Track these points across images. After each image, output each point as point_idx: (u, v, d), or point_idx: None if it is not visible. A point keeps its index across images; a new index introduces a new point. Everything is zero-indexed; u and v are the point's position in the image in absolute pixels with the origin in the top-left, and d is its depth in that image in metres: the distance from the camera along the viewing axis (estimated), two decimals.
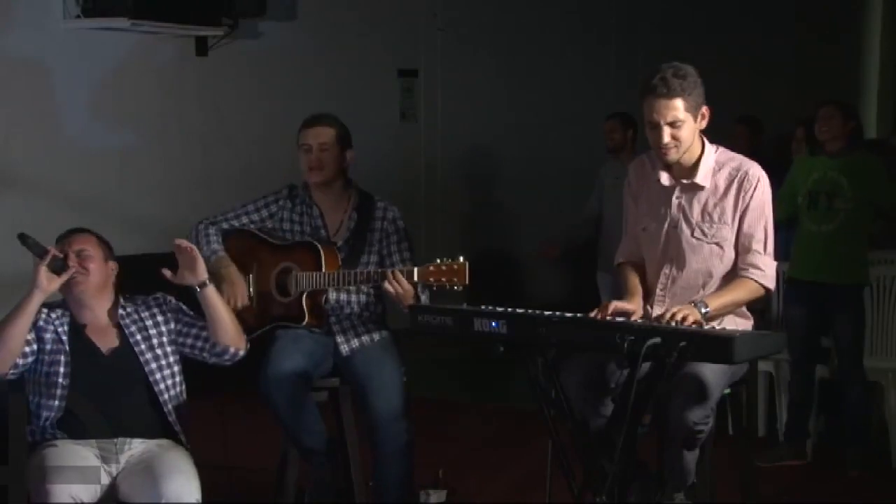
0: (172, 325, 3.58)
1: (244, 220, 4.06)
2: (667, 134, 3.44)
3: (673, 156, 3.49)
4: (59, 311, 3.50)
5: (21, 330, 3.37)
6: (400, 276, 3.70)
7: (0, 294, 5.75)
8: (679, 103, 3.41)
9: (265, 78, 7.01)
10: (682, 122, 3.43)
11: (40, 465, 3.26)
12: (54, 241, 3.53)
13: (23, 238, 3.42)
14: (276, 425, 3.90)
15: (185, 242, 3.53)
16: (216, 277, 3.97)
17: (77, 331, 3.49)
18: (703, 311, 3.39)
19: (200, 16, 6.40)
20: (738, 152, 3.68)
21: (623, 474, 3.35)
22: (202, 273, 3.52)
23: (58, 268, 3.40)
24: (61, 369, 3.42)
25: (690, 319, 3.31)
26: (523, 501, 4.40)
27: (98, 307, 3.52)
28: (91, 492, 3.26)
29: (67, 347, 3.45)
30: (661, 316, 3.36)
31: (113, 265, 3.56)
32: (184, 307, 3.63)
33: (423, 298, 3.80)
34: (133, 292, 3.66)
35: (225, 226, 4.05)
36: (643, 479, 3.57)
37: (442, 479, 4.63)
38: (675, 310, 3.34)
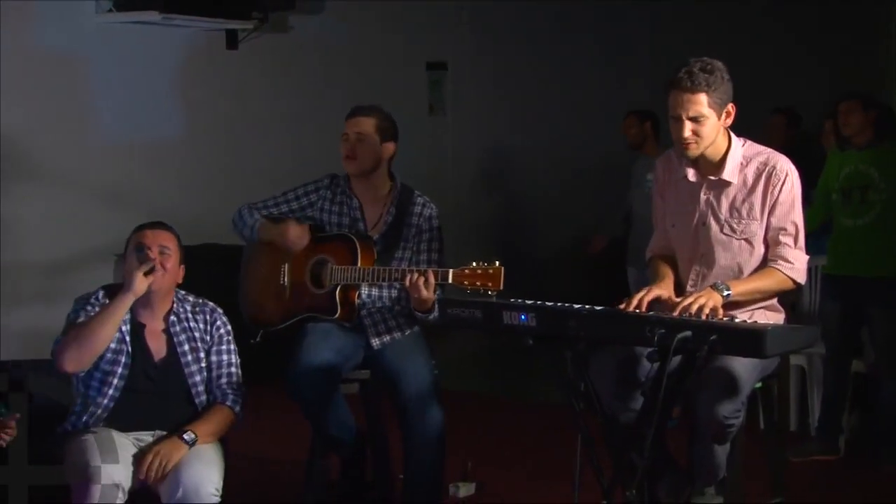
0: (208, 341, 3.59)
1: (283, 208, 4.06)
2: (687, 128, 3.41)
3: (693, 151, 3.45)
4: None
5: (110, 332, 3.39)
6: (431, 281, 3.68)
7: (34, 281, 5.89)
8: (702, 98, 3.38)
9: (294, 71, 7.04)
10: (705, 117, 3.40)
11: (82, 452, 3.28)
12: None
13: (139, 246, 3.44)
14: (305, 418, 3.91)
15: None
16: (262, 260, 3.99)
17: (137, 333, 3.50)
18: (725, 293, 3.36)
19: (230, 9, 6.44)
20: (773, 145, 3.64)
21: (652, 468, 3.34)
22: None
23: (149, 271, 3.44)
24: (119, 370, 3.44)
25: (709, 306, 3.28)
26: (552, 495, 4.39)
27: (159, 309, 3.54)
28: (129, 479, 3.28)
29: (129, 349, 3.47)
30: (682, 304, 3.32)
31: (182, 270, 3.58)
32: (225, 337, 3.61)
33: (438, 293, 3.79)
34: None
35: (265, 213, 4.06)
36: (673, 474, 3.55)
37: (471, 472, 4.63)
38: (693, 298, 3.31)
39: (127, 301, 3.41)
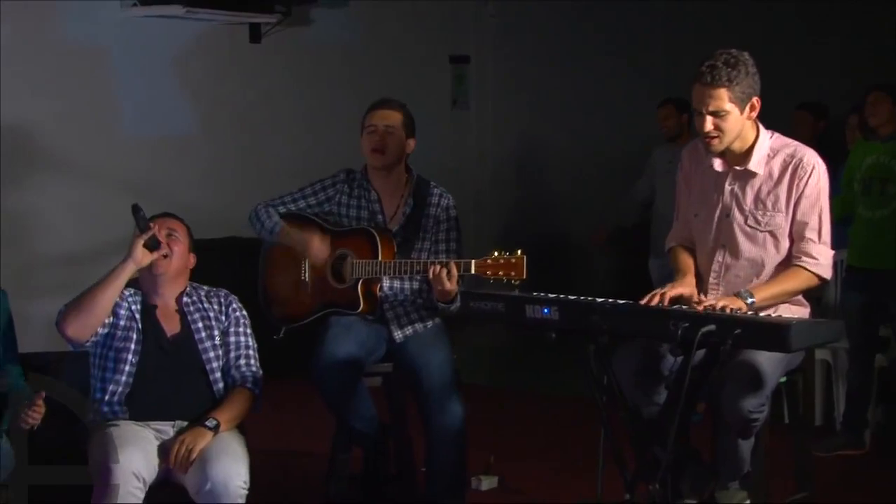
0: (223, 321, 3.61)
1: (301, 203, 4.07)
2: (709, 122, 3.38)
3: (716, 145, 3.43)
4: (131, 290, 3.55)
5: (110, 298, 3.44)
6: (454, 272, 3.67)
7: (56, 273, 5.92)
8: (723, 93, 3.34)
9: (317, 65, 7.04)
10: (726, 112, 3.36)
11: (103, 444, 3.30)
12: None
13: (135, 209, 3.50)
14: (329, 411, 3.92)
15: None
16: (283, 258, 3.99)
17: (148, 312, 3.54)
18: (749, 300, 3.33)
19: (254, 3, 6.47)
20: (800, 140, 3.61)
21: (676, 463, 3.32)
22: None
23: (152, 245, 3.47)
24: (132, 346, 3.48)
25: (735, 306, 3.25)
26: (574, 489, 4.38)
27: (169, 292, 3.58)
28: (150, 469, 3.30)
29: (140, 326, 3.50)
30: (704, 305, 3.30)
31: (193, 258, 3.62)
32: (242, 320, 3.64)
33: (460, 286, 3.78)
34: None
35: (282, 209, 4.06)
36: (696, 468, 3.53)
37: (493, 465, 4.62)
38: (721, 303, 3.28)
39: (126, 268, 3.44)
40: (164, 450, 3.36)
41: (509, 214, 8.09)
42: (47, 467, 3.32)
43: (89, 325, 3.42)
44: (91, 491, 3.25)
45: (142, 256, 3.46)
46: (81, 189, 6.06)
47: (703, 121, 3.39)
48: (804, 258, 3.45)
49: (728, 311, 3.24)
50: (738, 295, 3.35)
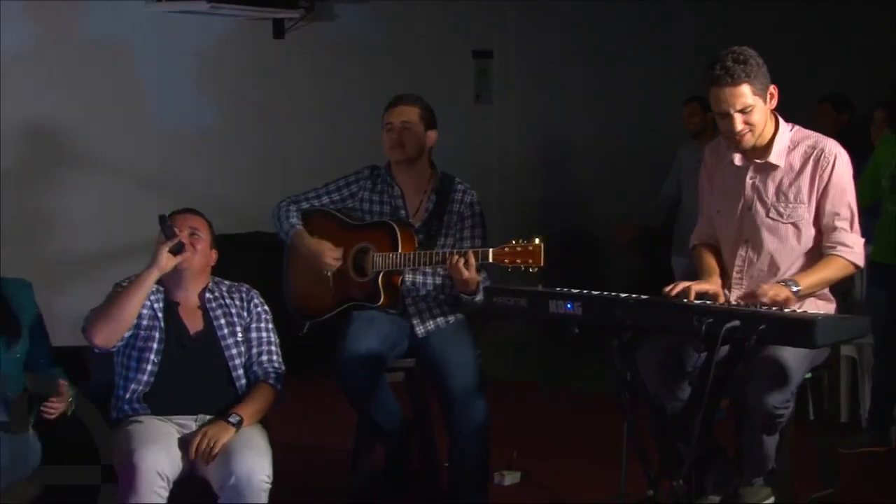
0: (245, 317, 3.61)
1: (325, 199, 4.08)
2: (739, 121, 3.39)
3: (748, 140, 3.43)
4: (154, 287, 3.54)
5: (136, 305, 3.44)
6: (471, 261, 3.67)
7: (83, 269, 5.96)
8: (746, 88, 3.35)
9: (340, 60, 7.05)
10: (752, 106, 3.38)
11: (126, 440, 3.31)
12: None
13: (162, 219, 3.52)
14: (351, 406, 3.93)
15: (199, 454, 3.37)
16: (298, 252, 4.00)
17: (171, 309, 3.55)
18: (794, 289, 3.32)
19: None
20: (823, 133, 3.59)
21: (700, 459, 3.31)
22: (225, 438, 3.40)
23: (177, 250, 3.48)
24: (154, 345, 3.49)
25: (782, 296, 3.24)
26: (597, 484, 4.37)
27: (192, 289, 3.59)
28: (174, 467, 3.31)
29: (162, 324, 3.52)
30: (752, 294, 3.29)
31: (215, 254, 3.63)
32: (263, 315, 3.64)
33: (483, 276, 3.78)
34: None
35: (305, 205, 4.08)
36: (720, 464, 3.52)
37: (516, 461, 4.62)
38: (767, 290, 3.27)
39: (151, 276, 3.45)
40: (185, 443, 3.37)
41: (532, 209, 8.07)
42: (70, 467, 3.34)
43: (117, 332, 3.44)
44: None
45: (166, 262, 3.47)
46: (106, 183, 6.09)
47: (731, 121, 3.39)
48: (839, 247, 3.44)
49: (773, 299, 3.23)
50: (784, 283, 3.33)
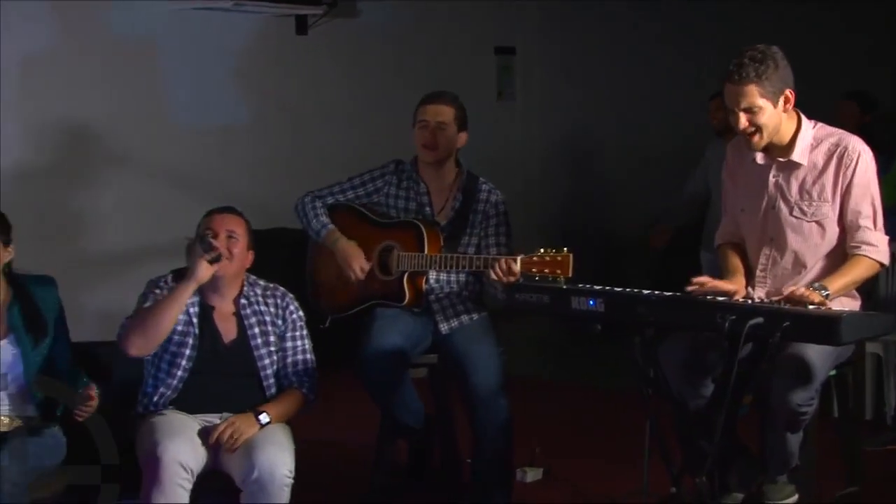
0: (280, 326, 3.61)
1: (350, 194, 4.08)
2: (743, 119, 3.38)
3: (757, 142, 3.42)
4: None
5: (173, 318, 3.43)
6: (515, 269, 3.64)
7: (109, 265, 6.00)
8: (752, 89, 3.33)
9: (363, 56, 7.05)
10: (759, 108, 3.35)
11: (151, 433, 3.33)
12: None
13: (202, 238, 3.49)
14: (374, 402, 3.93)
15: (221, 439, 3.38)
16: (330, 251, 4.00)
17: (206, 315, 3.54)
18: (824, 293, 3.29)
19: None
20: (847, 130, 3.57)
21: (723, 456, 3.30)
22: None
23: (214, 259, 3.47)
24: (187, 352, 3.48)
25: (816, 300, 3.22)
26: (620, 481, 4.36)
27: (228, 293, 3.57)
28: (197, 460, 3.33)
29: (196, 331, 3.51)
30: (782, 300, 3.27)
31: (251, 255, 3.60)
32: (298, 322, 3.64)
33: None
34: None
35: (330, 200, 4.08)
36: (744, 462, 3.51)
37: (539, 457, 4.62)
38: (797, 292, 3.25)
39: (189, 288, 3.44)
40: (206, 433, 3.38)
41: (555, 207, 8.06)
42: (91, 467, 3.36)
43: (152, 344, 3.43)
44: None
45: (205, 273, 3.45)
46: (131, 180, 6.12)
47: (737, 118, 3.38)
48: (864, 246, 3.43)
49: (804, 300, 3.21)
50: (812, 288, 3.31)
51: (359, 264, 3.94)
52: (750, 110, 3.36)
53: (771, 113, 3.38)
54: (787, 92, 3.39)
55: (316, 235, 4.04)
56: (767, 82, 3.34)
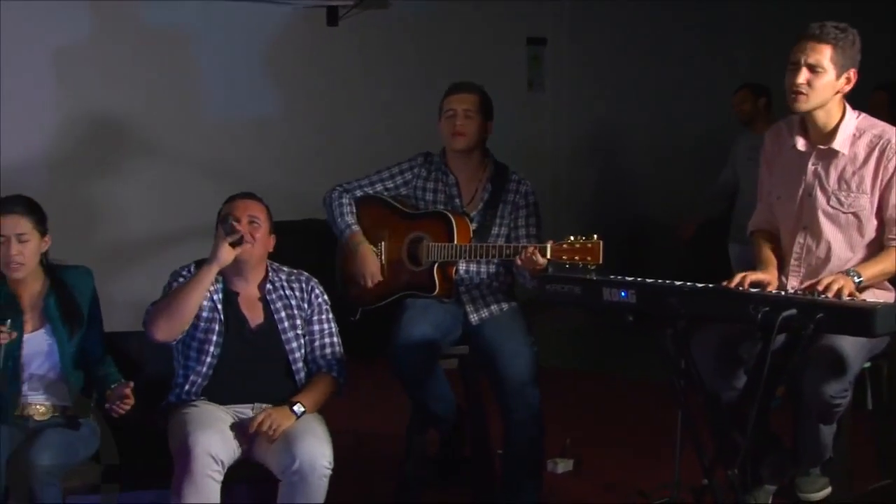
0: (306, 309, 3.63)
1: (378, 187, 4.08)
2: (803, 75, 3.33)
3: (802, 103, 3.37)
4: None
5: (196, 301, 3.46)
6: (537, 254, 3.65)
7: (139, 255, 6.05)
8: (827, 49, 3.31)
9: (393, 47, 7.06)
10: (823, 70, 3.32)
11: (182, 424, 3.35)
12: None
13: (224, 219, 3.52)
14: (405, 393, 3.94)
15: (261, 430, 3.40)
16: (348, 252, 4.02)
17: (231, 301, 3.56)
18: (857, 280, 3.27)
19: None
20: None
21: (755, 448, 3.28)
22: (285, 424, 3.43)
23: (236, 242, 3.49)
24: (214, 338, 3.51)
25: (846, 291, 3.19)
26: (651, 473, 4.35)
27: (252, 278, 3.59)
28: (229, 452, 3.35)
29: (222, 317, 3.53)
30: (813, 285, 3.25)
31: (273, 240, 3.63)
32: (324, 306, 3.66)
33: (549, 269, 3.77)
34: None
35: (359, 193, 4.08)
36: (777, 454, 3.49)
37: (569, 448, 4.62)
38: (829, 279, 3.22)
39: (212, 271, 3.46)
40: (241, 428, 3.40)
41: (585, 197, 8.04)
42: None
43: (177, 328, 3.46)
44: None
45: (227, 256, 3.47)
46: (163, 172, 6.17)
47: (797, 71, 3.33)
48: None
49: (843, 287, 3.18)
50: (846, 274, 3.29)
51: (371, 274, 3.96)
52: (814, 69, 3.32)
53: (830, 81, 3.35)
54: (851, 72, 3.37)
55: (340, 235, 4.06)
56: (841, 51, 3.32)
